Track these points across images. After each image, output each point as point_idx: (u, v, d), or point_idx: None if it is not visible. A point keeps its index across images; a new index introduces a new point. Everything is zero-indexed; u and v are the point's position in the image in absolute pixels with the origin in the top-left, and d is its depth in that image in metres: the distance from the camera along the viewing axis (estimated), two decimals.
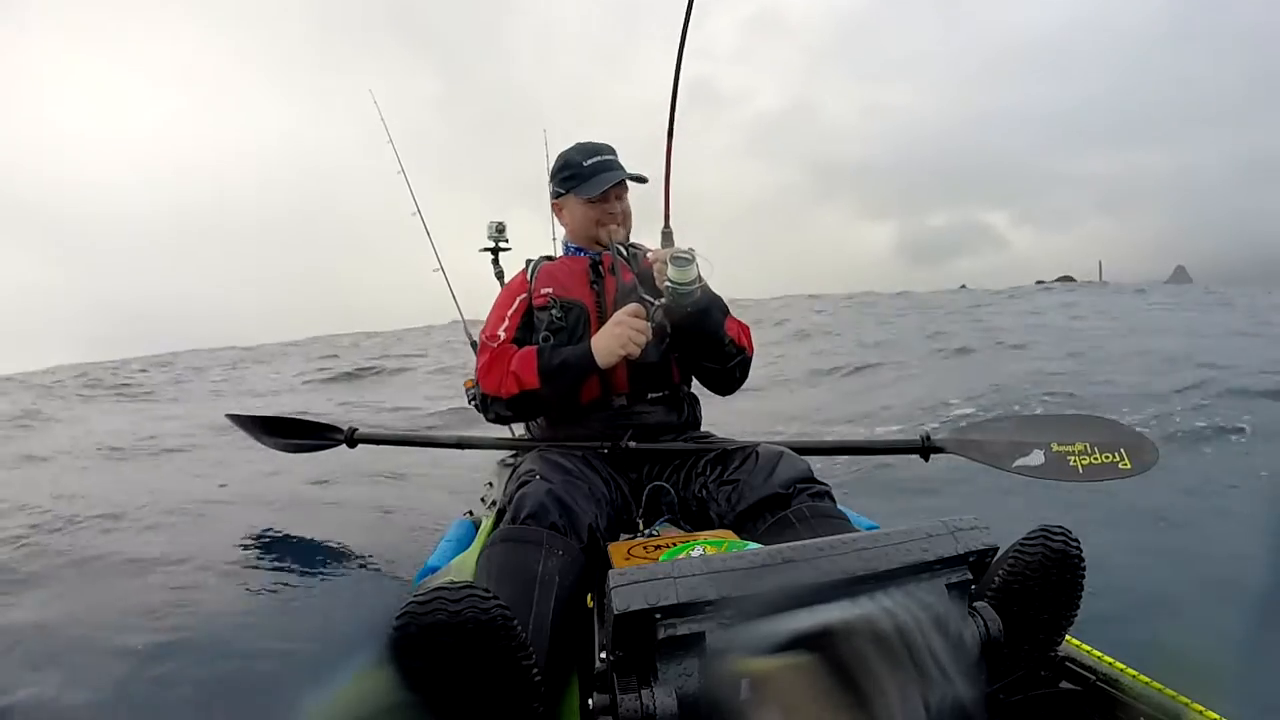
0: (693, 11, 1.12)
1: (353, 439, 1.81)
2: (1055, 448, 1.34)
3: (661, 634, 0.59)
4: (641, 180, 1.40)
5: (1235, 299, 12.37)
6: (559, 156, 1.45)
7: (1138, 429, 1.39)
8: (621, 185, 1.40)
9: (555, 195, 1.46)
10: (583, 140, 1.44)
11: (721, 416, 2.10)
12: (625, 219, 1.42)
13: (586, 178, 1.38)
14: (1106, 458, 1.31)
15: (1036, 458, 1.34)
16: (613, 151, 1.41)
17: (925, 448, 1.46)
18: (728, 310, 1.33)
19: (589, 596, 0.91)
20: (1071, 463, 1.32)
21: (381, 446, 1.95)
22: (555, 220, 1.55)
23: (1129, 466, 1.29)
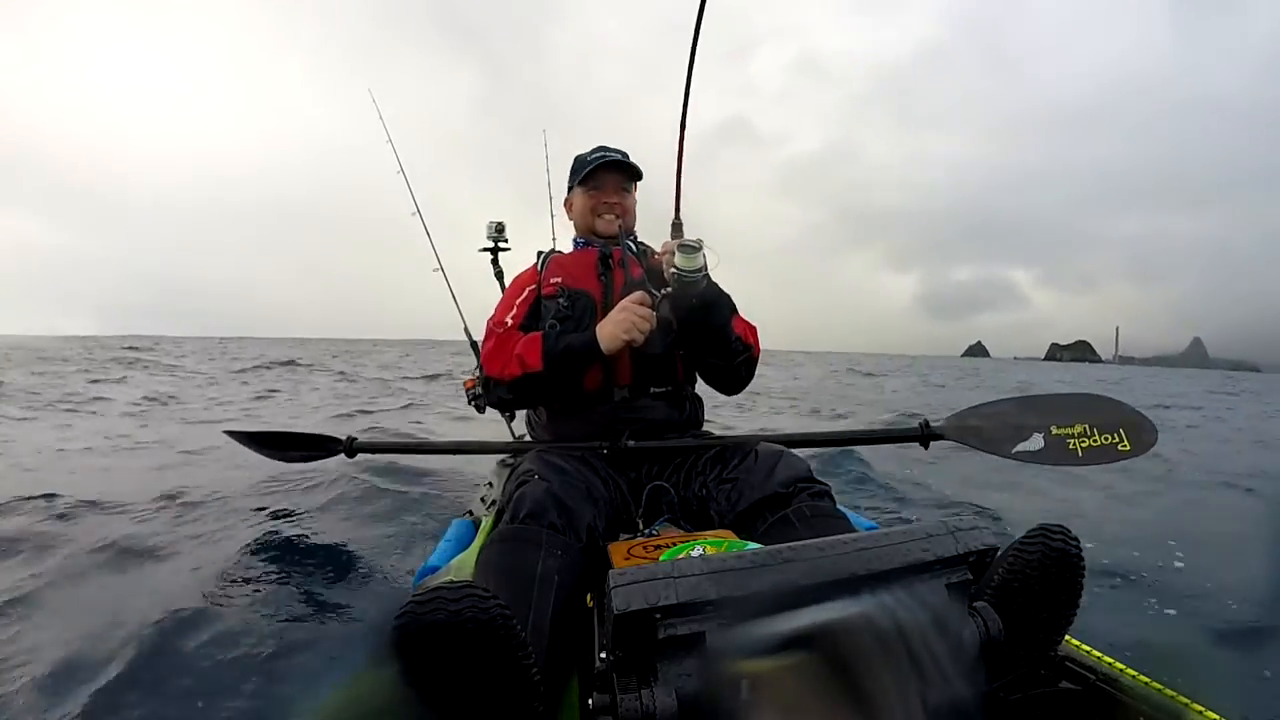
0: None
1: (351, 448, 1.81)
2: (1055, 431, 1.33)
3: (661, 634, 0.59)
4: (636, 173, 1.47)
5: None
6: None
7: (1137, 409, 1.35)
8: (621, 178, 1.46)
9: (568, 191, 1.54)
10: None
11: None
12: (625, 213, 1.47)
13: (585, 168, 1.45)
14: (1106, 439, 1.30)
15: (1036, 442, 1.33)
16: (620, 153, 1.47)
17: (925, 435, 1.45)
18: (735, 308, 1.34)
19: (589, 596, 0.91)
20: (1070, 446, 1.31)
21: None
22: (553, 222, 1.59)
23: (1129, 448, 1.28)
